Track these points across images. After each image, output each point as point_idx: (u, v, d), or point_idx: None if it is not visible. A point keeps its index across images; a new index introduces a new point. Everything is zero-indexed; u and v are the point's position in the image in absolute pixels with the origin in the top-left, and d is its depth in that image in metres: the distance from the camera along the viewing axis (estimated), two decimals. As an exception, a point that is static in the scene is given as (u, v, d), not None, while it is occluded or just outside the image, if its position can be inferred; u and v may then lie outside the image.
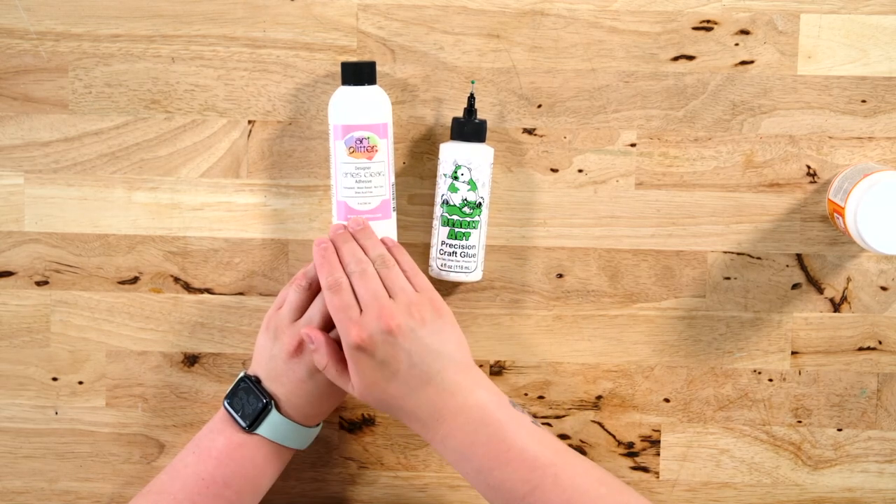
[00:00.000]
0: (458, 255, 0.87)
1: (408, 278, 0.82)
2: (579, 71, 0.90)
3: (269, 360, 0.84)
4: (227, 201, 0.92)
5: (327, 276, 0.81)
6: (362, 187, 0.85)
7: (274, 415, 0.83)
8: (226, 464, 0.83)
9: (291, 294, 0.83)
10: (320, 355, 0.81)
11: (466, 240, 0.87)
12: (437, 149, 0.90)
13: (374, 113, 0.84)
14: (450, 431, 0.78)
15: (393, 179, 0.86)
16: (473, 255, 0.87)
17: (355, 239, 0.83)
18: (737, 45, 0.90)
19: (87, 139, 0.92)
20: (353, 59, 0.90)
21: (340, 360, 0.81)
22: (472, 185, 0.86)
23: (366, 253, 0.82)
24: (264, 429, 0.83)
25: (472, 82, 0.89)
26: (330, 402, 0.85)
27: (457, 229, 0.87)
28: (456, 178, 0.86)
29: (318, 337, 0.81)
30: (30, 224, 0.93)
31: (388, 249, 0.84)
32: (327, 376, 0.82)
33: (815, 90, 0.90)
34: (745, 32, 0.89)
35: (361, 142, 0.84)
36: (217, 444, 0.83)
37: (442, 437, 0.78)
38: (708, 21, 0.89)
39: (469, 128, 0.87)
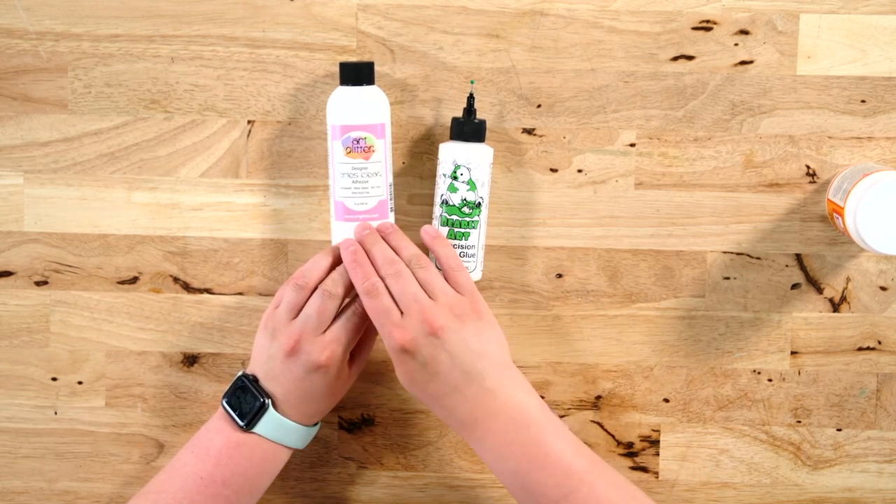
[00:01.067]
0: (458, 254, 0.87)
1: (448, 276, 0.83)
2: (579, 71, 0.90)
3: (266, 359, 0.84)
4: (226, 201, 0.92)
5: (362, 280, 0.82)
6: (359, 187, 0.85)
7: (271, 414, 0.83)
8: (224, 463, 0.83)
9: (288, 293, 0.83)
10: None
11: (466, 239, 0.87)
12: (437, 149, 0.90)
13: (371, 113, 0.84)
14: (488, 432, 0.79)
15: (391, 180, 0.86)
16: (473, 255, 0.87)
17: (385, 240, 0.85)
18: (736, 45, 0.90)
19: (87, 139, 0.92)
20: (352, 59, 0.90)
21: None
22: (471, 185, 0.86)
23: (398, 254, 0.83)
24: (262, 428, 0.83)
25: (472, 82, 0.89)
26: (328, 401, 0.85)
27: (456, 229, 0.87)
28: (455, 178, 0.86)
29: None
30: (29, 224, 0.93)
31: (432, 240, 0.85)
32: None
33: (815, 90, 0.90)
34: (744, 32, 0.89)
35: (358, 142, 0.84)
36: (215, 443, 0.83)
37: (480, 437, 0.80)
38: (707, 21, 0.89)
39: (468, 128, 0.87)
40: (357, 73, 0.85)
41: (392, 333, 0.79)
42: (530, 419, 0.79)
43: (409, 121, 0.91)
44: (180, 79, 0.91)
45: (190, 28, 0.90)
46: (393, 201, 0.88)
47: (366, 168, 0.85)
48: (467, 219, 0.87)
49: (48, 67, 0.91)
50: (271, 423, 0.83)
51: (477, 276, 0.88)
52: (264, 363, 0.84)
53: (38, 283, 0.93)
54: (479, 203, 0.87)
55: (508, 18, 0.90)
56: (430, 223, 0.90)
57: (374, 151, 0.84)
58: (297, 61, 0.91)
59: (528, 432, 0.78)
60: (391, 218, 0.87)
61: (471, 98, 0.87)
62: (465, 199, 0.86)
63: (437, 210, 0.88)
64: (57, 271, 0.93)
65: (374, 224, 0.85)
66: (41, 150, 0.92)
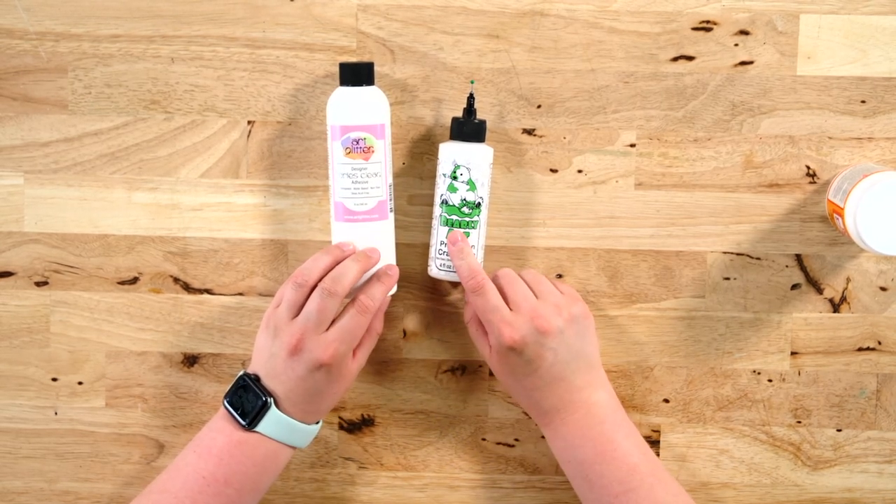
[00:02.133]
0: None
1: (551, 280, 0.88)
2: (579, 71, 0.90)
3: (268, 358, 0.84)
4: (226, 202, 0.92)
5: (469, 277, 0.84)
6: (359, 188, 0.85)
7: (273, 412, 0.83)
8: (226, 462, 0.83)
9: (288, 292, 0.84)
10: (467, 311, 0.88)
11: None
12: (437, 149, 0.90)
13: (370, 114, 0.84)
14: (565, 422, 0.84)
15: (391, 181, 0.86)
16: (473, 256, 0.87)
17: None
18: (736, 45, 0.90)
19: (87, 139, 0.92)
20: (352, 59, 0.90)
21: (481, 324, 0.86)
22: (471, 185, 0.86)
23: None
24: (264, 426, 0.83)
25: (472, 82, 0.89)
26: (330, 400, 0.85)
27: (456, 229, 0.87)
28: (455, 178, 0.86)
29: (479, 283, 0.84)
30: (29, 224, 0.93)
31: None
32: (469, 333, 0.87)
33: (815, 90, 0.90)
34: (744, 33, 0.89)
35: (358, 142, 0.84)
36: (217, 442, 0.83)
37: (556, 426, 0.84)
38: (707, 21, 0.89)
39: (468, 128, 0.87)
40: (357, 74, 0.84)
41: (502, 331, 0.82)
42: (606, 416, 0.84)
43: (409, 121, 0.91)
44: (180, 79, 0.91)
45: (190, 28, 0.90)
46: (393, 202, 0.87)
47: (365, 168, 0.85)
48: (467, 219, 0.87)
49: (48, 68, 0.91)
50: (274, 421, 0.83)
51: None
52: (266, 362, 0.84)
53: (38, 284, 0.93)
54: (479, 203, 0.87)
55: (508, 19, 0.90)
56: (431, 223, 0.90)
57: (373, 152, 0.84)
58: (298, 62, 0.91)
59: (602, 427, 0.83)
60: (391, 219, 0.87)
61: (471, 98, 0.87)
62: (464, 199, 0.86)
63: (437, 210, 0.88)
64: (57, 272, 0.93)
65: (372, 225, 0.85)
66: (41, 150, 0.92)
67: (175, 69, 0.91)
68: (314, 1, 0.90)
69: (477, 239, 0.87)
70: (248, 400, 0.83)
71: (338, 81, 0.89)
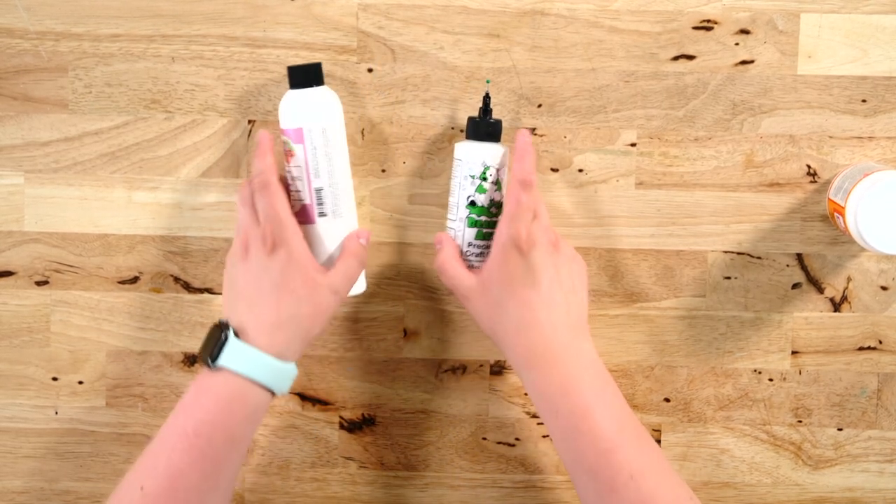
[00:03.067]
0: (485, 255, 0.85)
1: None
2: (579, 71, 0.90)
3: (227, 285, 0.81)
4: (227, 201, 0.92)
5: (528, 172, 0.80)
6: (291, 192, 0.85)
7: (233, 342, 0.77)
8: (193, 410, 0.77)
9: (239, 220, 0.83)
10: (439, 256, 0.84)
11: (490, 240, 0.85)
12: (437, 149, 0.90)
13: (288, 118, 0.84)
14: (556, 363, 0.80)
15: (320, 185, 0.84)
16: None
17: None
18: (737, 44, 0.90)
19: (87, 139, 0.92)
20: (303, 61, 0.89)
21: (461, 260, 0.84)
22: (498, 185, 0.85)
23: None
24: (225, 359, 0.77)
25: (487, 81, 0.88)
26: (296, 318, 0.79)
27: (484, 230, 0.85)
28: (485, 178, 0.84)
29: (444, 236, 0.83)
30: (30, 224, 0.93)
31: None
32: (445, 276, 0.83)
33: (816, 90, 0.90)
34: (745, 32, 0.89)
35: (284, 146, 0.85)
36: (187, 394, 0.79)
37: (542, 368, 0.79)
38: (708, 21, 0.89)
39: (492, 128, 0.85)
40: (293, 77, 0.84)
41: (519, 228, 0.79)
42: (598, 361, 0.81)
43: (409, 121, 0.91)
44: (181, 78, 0.91)
45: (190, 28, 0.90)
46: (325, 206, 0.84)
47: (290, 172, 0.85)
48: (494, 219, 0.85)
49: (49, 67, 0.91)
50: (235, 351, 0.78)
51: None
52: (226, 292, 0.81)
53: (38, 283, 0.93)
54: (501, 202, 0.85)
55: (509, 18, 0.90)
56: (431, 223, 0.90)
57: (293, 155, 0.84)
58: (298, 61, 0.91)
59: (596, 368, 0.81)
60: (318, 223, 0.84)
61: (487, 97, 0.86)
62: (493, 200, 0.85)
63: (463, 212, 0.85)
64: (57, 271, 0.93)
65: (303, 226, 0.84)
66: (42, 149, 0.92)
67: (175, 68, 0.91)
68: (315, 0, 0.90)
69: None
70: (212, 337, 0.79)
71: (338, 81, 0.89)
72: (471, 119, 0.86)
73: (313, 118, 0.83)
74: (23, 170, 0.92)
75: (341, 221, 0.85)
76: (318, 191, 0.84)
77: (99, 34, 0.91)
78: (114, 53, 0.91)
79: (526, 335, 0.80)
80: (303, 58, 0.90)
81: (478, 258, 0.85)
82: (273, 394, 0.80)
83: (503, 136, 0.88)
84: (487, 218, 0.85)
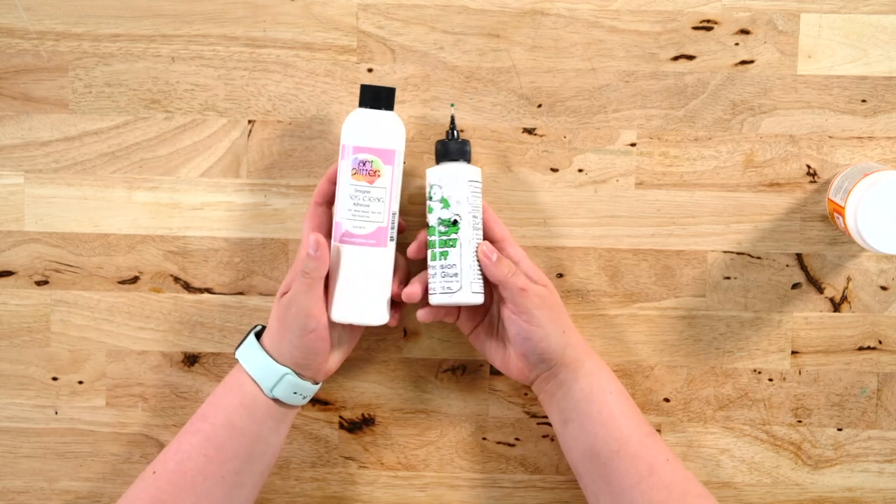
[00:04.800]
0: (438, 275, 0.84)
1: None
2: (579, 71, 0.90)
3: None
4: (226, 201, 0.92)
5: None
6: (359, 211, 0.83)
7: (251, 339, 0.85)
8: (209, 398, 0.85)
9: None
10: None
11: (445, 259, 0.84)
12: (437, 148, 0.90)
13: (382, 138, 0.83)
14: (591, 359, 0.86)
15: (395, 209, 0.84)
16: (455, 275, 0.84)
17: None
18: (737, 44, 0.90)
19: (87, 139, 0.92)
20: (374, 83, 0.88)
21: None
22: (444, 202, 0.84)
23: None
24: (241, 352, 0.85)
25: (452, 105, 0.89)
26: (291, 335, 0.82)
27: (436, 249, 0.84)
28: (430, 198, 0.85)
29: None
30: (30, 224, 0.93)
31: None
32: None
33: (815, 90, 0.90)
34: (745, 32, 0.89)
35: (364, 164, 0.83)
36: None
37: (584, 362, 0.85)
38: (708, 21, 0.89)
39: (445, 148, 0.86)
40: (375, 97, 0.83)
41: (518, 278, 0.83)
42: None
43: (409, 120, 0.91)
44: (181, 78, 0.91)
45: (190, 28, 0.90)
46: (395, 230, 0.85)
47: (368, 192, 0.83)
48: (444, 237, 0.84)
49: (49, 67, 0.91)
50: (246, 346, 0.85)
51: (465, 296, 0.84)
52: None
53: (38, 283, 0.93)
54: (456, 221, 0.84)
55: (509, 18, 0.90)
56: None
57: (379, 176, 0.83)
58: (298, 61, 0.91)
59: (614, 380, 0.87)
60: (390, 247, 0.84)
61: (452, 120, 0.86)
62: (440, 218, 0.84)
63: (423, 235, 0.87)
64: (57, 271, 0.93)
65: (369, 248, 0.83)
66: (42, 149, 0.92)
67: (175, 68, 0.91)
68: (314, 0, 0.90)
69: (459, 257, 0.84)
70: (245, 336, 0.88)
71: (337, 81, 0.89)
72: (435, 143, 0.86)
73: (401, 142, 0.84)
74: (23, 170, 0.92)
75: (394, 246, 0.85)
76: (394, 215, 0.84)
77: (99, 34, 0.91)
78: (114, 53, 0.91)
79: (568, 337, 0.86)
80: (302, 57, 0.90)
81: (433, 279, 0.85)
82: (265, 393, 0.84)
83: (503, 136, 0.88)
84: (436, 237, 0.84)
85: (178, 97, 0.91)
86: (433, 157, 0.91)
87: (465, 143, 0.86)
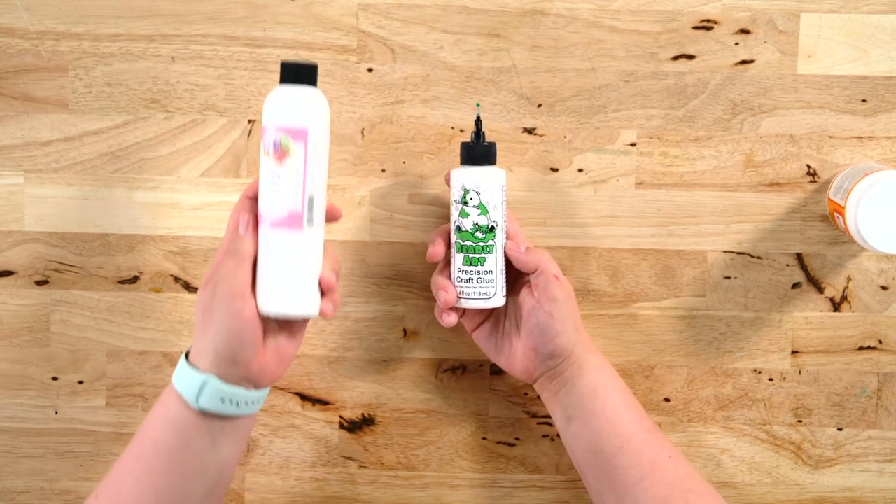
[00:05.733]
0: (474, 281, 0.84)
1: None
2: (579, 70, 0.90)
3: None
4: (227, 201, 0.92)
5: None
6: (271, 192, 0.77)
7: (182, 359, 0.78)
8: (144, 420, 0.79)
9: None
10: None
11: (482, 265, 0.84)
12: (437, 148, 0.90)
13: (293, 116, 0.76)
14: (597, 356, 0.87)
15: (315, 191, 0.78)
16: (491, 281, 0.84)
17: None
18: (737, 44, 0.90)
19: (88, 139, 0.92)
20: (296, 59, 0.87)
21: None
22: (482, 208, 0.84)
23: None
24: (175, 371, 0.78)
25: (478, 105, 0.88)
26: (207, 326, 0.76)
27: (471, 255, 0.84)
28: (465, 202, 0.84)
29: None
30: (30, 223, 0.93)
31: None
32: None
33: (816, 89, 0.90)
34: (745, 32, 0.89)
35: (275, 144, 0.77)
36: None
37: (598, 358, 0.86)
38: (708, 20, 0.90)
39: (476, 151, 0.84)
40: (294, 73, 0.77)
41: (552, 265, 0.84)
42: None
43: (409, 120, 0.91)
44: (181, 78, 0.91)
45: (190, 27, 0.90)
46: (315, 214, 0.78)
47: (279, 174, 0.77)
48: (481, 244, 0.84)
49: (49, 67, 0.91)
50: (178, 365, 0.78)
51: (499, 301, 0.85)
52: None
53: (38, 283, 0.93)
54: (493, 227, 0.84)
55: (509, 18, 0.90)
56: (432, 222, 0.90)
57: (289, 156, 0.76)
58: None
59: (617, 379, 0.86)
60: (309, 233, 0.78)
61: (478, 121, 0.85)
62: (477, 224, 0.84)
63: (452, 238, 0.85)
64: (57, 271, 0.93)
65: (284, 232, 0.77)
66: (42, 149, 0.92)
67: (175, 68, 0.91)
68: (314, 0, 0.90)
69: (494, 263, 0.84)
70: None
71: (337, 80, 0.89)
72: (461, 144, 0.85)
73: (317, 119, 0.77)
74: (23, 169, 0.92)
75: (320, 233, 0.79)
76: (311, 198, 0.78)
77: (99, 34, 0.91)
78: (114, 53, 0.91)
79: (580, 340, 0.86)
80: (302, 57, 0.90)
81: (467, 284, 0.84)
82: (189, 406, 0.77)
83: (503, 136, 0.88)
84: (473, 242, 0.84)
85: (178, 97, 0.91)
86: (433, 156, 0.91)
87: (494, 145, 0.85)
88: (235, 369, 0.76)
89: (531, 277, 0.84)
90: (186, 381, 0.76)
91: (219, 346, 0.76)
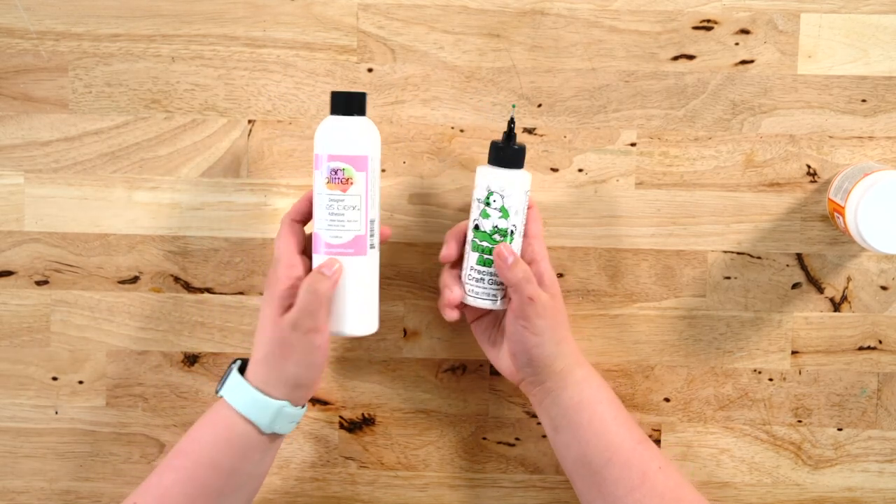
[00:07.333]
0: (485, 282, 0.84)
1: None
2: (579, 70, 0.90)
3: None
4: (227, 201, 0.92)
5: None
6: (335, 220, 0.81)
7: (234, 375, 0.81)
8: (192, 431, 0.82)
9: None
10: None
11: (493, 266, 0.84)
12: (437, 148, 0.90)
13: (352, 144, 0.81)
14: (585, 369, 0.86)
15: (373, 216, 0.82)
16: (501, 284, 0.84)
17: None
18: (737, 44, 0.90)
19: (88, 139, 0.92)
20: (343, 89, 0.88)
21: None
22: (503, 212, 0.83)
23: None
24: (226, 390, 0.81)
25: (513, 106, 0.88)
26: (292, 363, 0.80)
27: (486, 256, 0.83)
28: (488, 203, 0.83)
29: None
30: (30, 224, 0.93)
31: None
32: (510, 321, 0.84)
33: (816, 90, 0.90)
34: (745, 32, 0.89)
35: (336, 173, 0.81)
36: (198, 420, 0.83)
37: (584, 370, 0.86)
38: (708, 20, 0.89)
39: (506, 153, 0.83)
40: (346, 104, 0.81)
41: (529, 285, 0.82)
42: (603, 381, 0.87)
43: (409, 120, 0.91)
44: (181, 78, 0.91)
45: (190, 28, 0.90)
46: (375, 238, 0.83)
47: (343, 201, 0.81)
48: (496, 246, 0.83)
49: (49, 67, 0.91)
50: (233, 384, 0.81)
51: (505, 305, 0.84)
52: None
53: (38, 283, 0.93)
54: (512, 231, 0.83)
55: (509, 18, 0.90)
56: (430, 222, 0.90)
57: (352, 184, 0.81)
58: (298, 61, 0.91)
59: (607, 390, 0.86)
60: (370, 255, 0.82)
61: (511, 122, 0.83)
62: (496, 227, 0.83)
63: (469, 234, 0.84)
64: (58, 271, 0.93)
65: (347, 260, 0.81)
66: (42, 149, 0.92)
67: (175, 68, 0.91)
68: (314, 0, 0.90)
69: None
70: (226, 370, 0.83)
71: (337, 80, 0.89)
72: (491, 143, 0.84)
73: (374, 147, 0.82)
74: (23, 170, 0.92)
75: (377, 254, 0.84)
76: (372, 222, 0.82)
77: (99, 34, 0.91)
78: (114, 53, 0.91)
79: (571, 350, 0.86)
80: (302, 57, 0.90)
81: (478, 283, 0.84)
82: (260, 430, 0.81)
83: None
84: (489, 244, 0.83)
85: (178, 97, 0.91)
86: (433, 156, 0.91)
87: (524, 147, 0.84)
88: (306, 393, 0.82)
89: (509, 291, 0.83)
90: (257, 406, 0.80)
91: (299, 378, 0.81)
